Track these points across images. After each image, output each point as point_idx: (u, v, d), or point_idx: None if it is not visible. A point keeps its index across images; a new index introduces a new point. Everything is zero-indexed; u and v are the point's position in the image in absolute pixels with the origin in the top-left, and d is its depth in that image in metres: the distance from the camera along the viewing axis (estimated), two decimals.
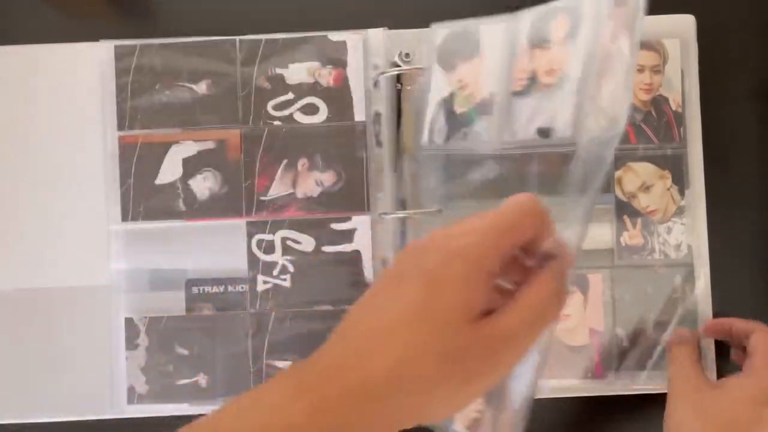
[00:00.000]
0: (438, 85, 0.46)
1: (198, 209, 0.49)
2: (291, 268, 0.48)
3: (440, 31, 0.47)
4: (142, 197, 0.49)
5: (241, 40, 0.49)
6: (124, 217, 0.49)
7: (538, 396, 0.46)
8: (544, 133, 0.43)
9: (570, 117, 0.42)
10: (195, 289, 0.49)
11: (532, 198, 0.30)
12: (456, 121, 0.46)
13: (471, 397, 0.29)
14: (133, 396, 0.48)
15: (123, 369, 0.48)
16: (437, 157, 0.47)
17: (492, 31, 0.45)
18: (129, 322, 0.49)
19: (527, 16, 0.43)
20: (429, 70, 0.47)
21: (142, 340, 0.49)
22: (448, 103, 0.46)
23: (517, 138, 0.44)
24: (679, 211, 0.47)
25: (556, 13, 0.42)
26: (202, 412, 0.48)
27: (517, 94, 0.44)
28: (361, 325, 0.29)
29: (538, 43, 0.43)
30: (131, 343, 0.49)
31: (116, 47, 0.49)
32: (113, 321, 0.49)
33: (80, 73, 0.50)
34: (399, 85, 0.48)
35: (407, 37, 0.49)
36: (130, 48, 0.49)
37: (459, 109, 0.46)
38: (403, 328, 0.27)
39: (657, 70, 0.47)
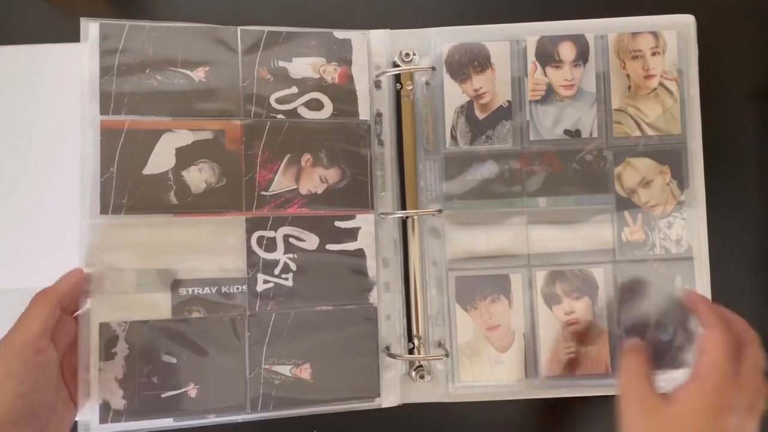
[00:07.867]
0: (452, 94, 0.49)
1: (191, 203, 0.45)
2: (293, 267, 0.46)
3: (444, 45, 0.49)
4: (127, 188, 0.44)
5: (242, 30, 0.47)
6: (104, 210, 0.44)
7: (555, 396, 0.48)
8: (572, 134, 0.49)
9: (594, 122, 0.49)
10: (183, 291, 0.45)
11: None
12: (479, 126, 0.49)
13: None
14: (107, 413, 0.43)
15: (95, 383, 0.43)
16: (453, 159, 0.49)
17: (498, 47, 0.49)
18: (105, 327, 0.43)
19: (530, 40, 0.49)
20: (440, 81, 0.49)
21: (121, 348, 0.43)
22: (467, 110, 0.49)
23: (543, 138, 0.49)
24: (679, 206, 0.48)
25: (561, 39, 0.49)
26: (188, 426, 0.44)
27: (536, 102, 0.49)
28: None
29: (549, 62, 0.49)
30: (107, 352, 0.43)
31: (101, 25, 0.45)
32: (83, 326, 0.43)
33: (68, 68, 0.46)
34: (399, 85, 0.49)
35: (407, 37, 0.50)
36: (117, 27, 0.45)
37: (481, 114, 0.49)
38: None
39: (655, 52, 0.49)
